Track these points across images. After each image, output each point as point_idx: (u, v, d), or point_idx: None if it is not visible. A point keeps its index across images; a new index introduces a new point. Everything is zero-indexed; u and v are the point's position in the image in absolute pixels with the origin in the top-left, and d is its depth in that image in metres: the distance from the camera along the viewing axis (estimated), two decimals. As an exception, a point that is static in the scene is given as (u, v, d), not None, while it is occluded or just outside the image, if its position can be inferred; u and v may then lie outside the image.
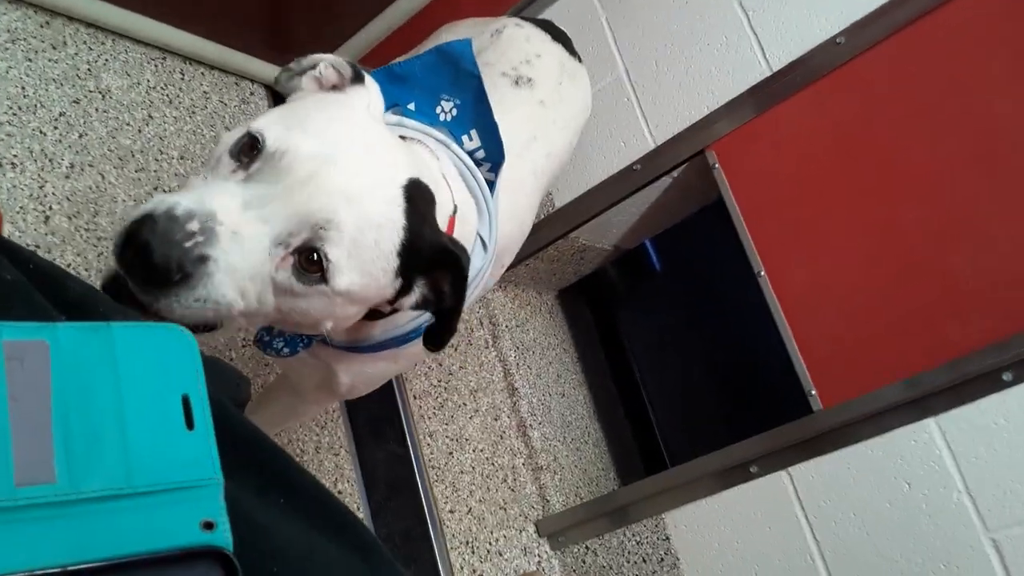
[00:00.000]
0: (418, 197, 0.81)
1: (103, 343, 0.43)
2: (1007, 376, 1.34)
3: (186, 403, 0.43)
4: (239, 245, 0.70)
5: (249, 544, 0.44)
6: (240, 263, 0.71)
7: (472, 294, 1.03)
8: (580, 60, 1.44)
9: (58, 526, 0.37)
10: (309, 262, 0.73)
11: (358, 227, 0.75)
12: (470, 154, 1.03)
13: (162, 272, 0.67)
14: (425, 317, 0.96)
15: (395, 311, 0.88)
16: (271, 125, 0.76)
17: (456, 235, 0.91)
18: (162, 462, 0.41)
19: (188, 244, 0.68)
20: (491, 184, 1.03)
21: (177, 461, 0.42)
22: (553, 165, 1.28)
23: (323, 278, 0.74)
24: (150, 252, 0.66)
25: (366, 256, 0.76)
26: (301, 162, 0.74)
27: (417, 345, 1.00)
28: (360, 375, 1.04)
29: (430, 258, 0.82)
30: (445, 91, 1.04)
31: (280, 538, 0.48)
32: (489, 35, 1.35)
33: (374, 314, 0.89)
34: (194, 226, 0.68)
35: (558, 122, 1.29)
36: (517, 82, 1.25)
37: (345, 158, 0.76)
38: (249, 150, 0.75)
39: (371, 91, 0.89)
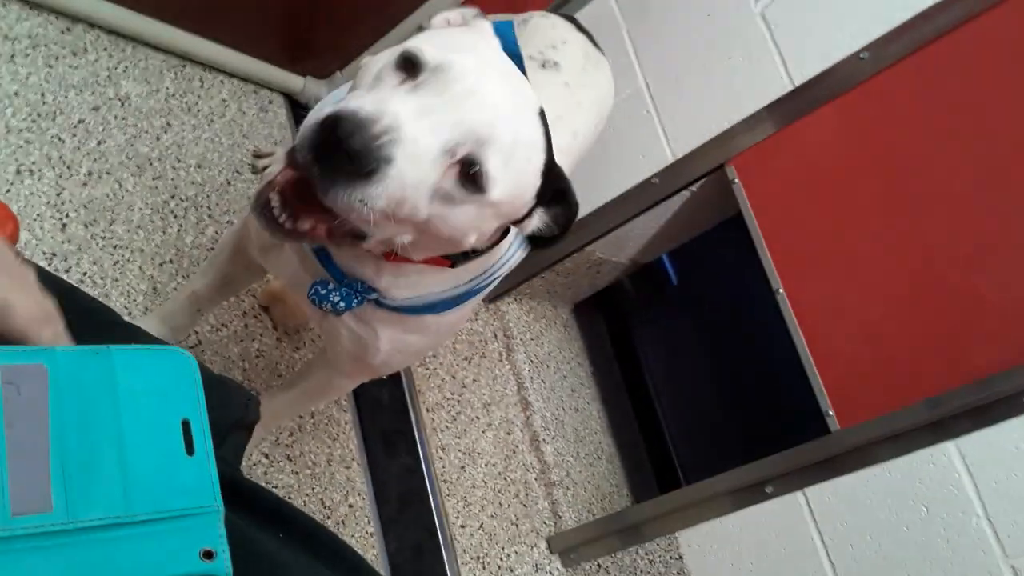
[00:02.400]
0: (547, 127, 0.87)
1: (102, 367, 0.42)
2: (1030, 400, 1.32)
3: (186, 428, 0.43)
4: (416, 151, 0.74)
5: (252, 573, 0.43)
6: (414, 169, 0.75)
7: (512, 258, 1.08)
8: (603, 53, 1.45)
9: (56, 556, 0.37)
10: (471, 172, 0.78)
11: (514, 142, 0.80)
12: None
13: (358, 159, 0.71)
14: (473, 283, 1.02)
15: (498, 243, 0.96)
16: (425, 45, 0.80)
17: None
18: (161, 489, 0.41)
19: (379, 142, 0.72)
20: None
21: (177, 488, 0.41)
22: (579, 146, 1.30)
23: (480, 187, 0.78)
24: (351, 138, 0.71)
25: (518, 170, 0.82)
26: (464, 75, 0.78)
27: (456, 313, 1.05)
28: (398, 344, 1.07)
29: (552, 189, 0.88)
30: None
31: (282, 567, 0.47)
32: (515, 24, 1.37)
33: (462, 256, 0.94)
34: (382, 126, 0.72)
35: (583, 104, 1.32)
36: (544, 65, 1.29)
37: (499, 76, 0.82)
38: (411, 66, 0.79)
39: (490, 28, 0.93)
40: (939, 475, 1.39)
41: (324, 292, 0.97)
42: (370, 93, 0.79)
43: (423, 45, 0.80)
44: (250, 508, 0.47)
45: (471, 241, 0.86)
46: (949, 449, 1.38)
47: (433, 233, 0.82)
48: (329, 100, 0.96)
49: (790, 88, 1.63)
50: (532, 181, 0.85)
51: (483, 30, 0.92)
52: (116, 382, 0.42)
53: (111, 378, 0.42)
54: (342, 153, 0.72)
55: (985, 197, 1.41)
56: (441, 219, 0.80)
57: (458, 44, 0.84)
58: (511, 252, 1.08)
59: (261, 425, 1.33)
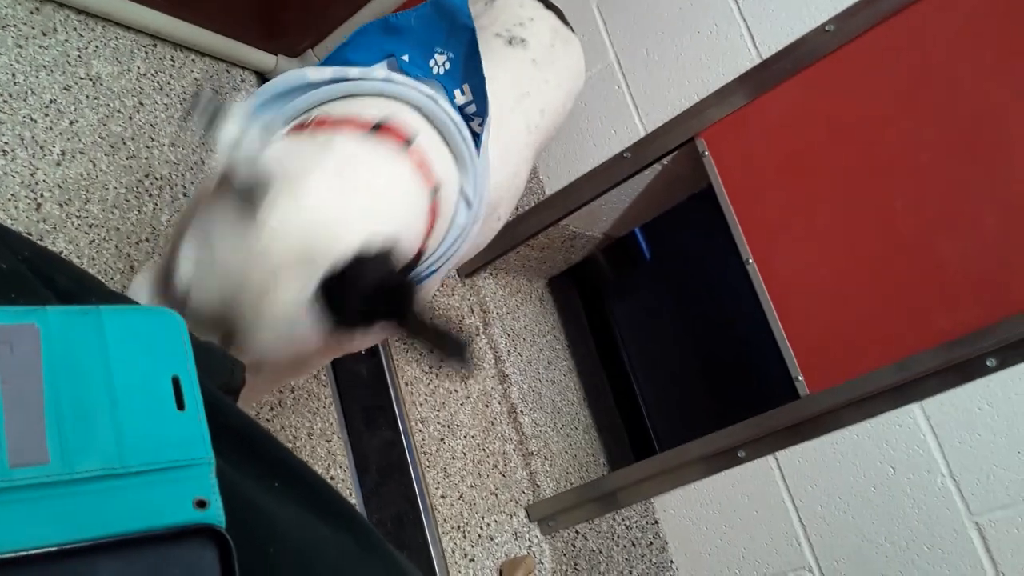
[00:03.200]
0: (345, 280, 0.79)
1: (92, 326, 0.44)
2: (991, 362, 1.36)
3: (176, 384, 0.44)
4: None
5: (244, 524, 0.45)
6: None
7: (460, 248, 1.04)
8: (573, 31, 1.46)
9: (52, 506, 0.38)
10: None
11: (272, 349, 0.80)
12: (461, 108, 1.03)
13: None
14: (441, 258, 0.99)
15: None
16: (185, 269, 0.78)
17: (440, 213, 0.93)
18: (154, 442, 0.42)
19: None
20: (478, 137, 1.03)
21: (169, 441, 0.42)
22: (547, 123, 1.29)
23: None
24: None
25: (288, 352, 0.82)
26: (213, 307, 0.77)
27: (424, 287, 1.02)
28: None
29: (365, 318, 0.82)
30: (439, 44, 1.04)
31: (275, 518, 0.49)
32: (484, 3, 1.37)
33: None
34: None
35: (551, 81, 1.31)
36: (510, 42, 1.27)
37: (252, 287, 0.76)
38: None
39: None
40: (905, 436, 1.43)
41: None
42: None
43: (184, 272, 0.77)
44: (245, 452, 0.49)
45: None
46: (915, 411, 1.43)
47: None
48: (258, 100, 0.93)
49: (758, 61, 1.65)
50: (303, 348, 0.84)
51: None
52: (106, 340, 0.43)
53: (101, 336, 0.43)
54: None
55: (948, 165, 1.45)
56: None
57: (214, 259, 0.77)
58: (467, 227, 1.03)
59: (242, 399, 1.34)
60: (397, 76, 0.99)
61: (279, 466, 0.53)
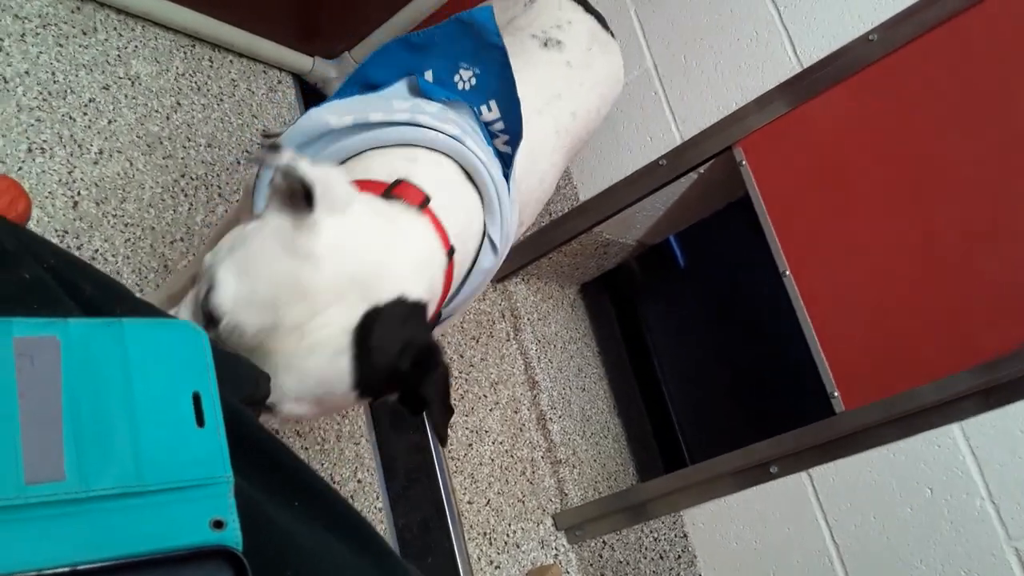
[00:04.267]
0: (379, 323, 0.78)
1: (114, 339, 0.43)
2: (1034, 382, 1.32)
3: (196, 400, 0.43)
4: None
5: (262, 544, 0.44)
6: None
7: (482, 285, 1.03)
8: (613, 36, 1.44)
9: (68, 524, 0.37)
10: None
11: (299, 389, 0.75)
12: (488, 125, 1.01)
13: None
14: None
15: None
16: (225, 295, 0.74)
17: (455, 274, 0.91)
18: (172, 460, 0.41)
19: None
20: (508, 157, 1.01)
21: (187, 459, 0.42)
22: (579, 127, 1.26)
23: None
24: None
25: (313, 397, 0.77)
26: (248, 337, 0.73)
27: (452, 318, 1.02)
28: None
29: (390, 378, 0.80)
30: (465, 59, 1.02)
31: (294, 539, 0.48)
32: (523, 4, 1.35)
33: None
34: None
35: (585, 84, 1.29)
36: (546, 44, 1.26)
37: (288, 323, 0.74)
38: (211, 319, 0.74)
39: (326, 200, 0.78)
40: (943, 457, 1.39)
41: None
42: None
43: (224, 298, 0.73)
44: (266, 469, 0.48)
45: None
46: (954, 431, 1.39)
47: None
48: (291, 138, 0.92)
49: (798, 70, 1.62)
50: (341, 399, 0.78)
51: (305, 227, 0.76)
52: (127, 353, 0.42)
53: (122, 349, 0.42)
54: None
55: (992, 180, 1.41)
56: None
57: (259, 281, 0.75)
58: (491, 270, 1.02)
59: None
60: (421, 115, 0.95)
61: (300, 484, 0.52)
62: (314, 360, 0.75)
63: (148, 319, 0.46)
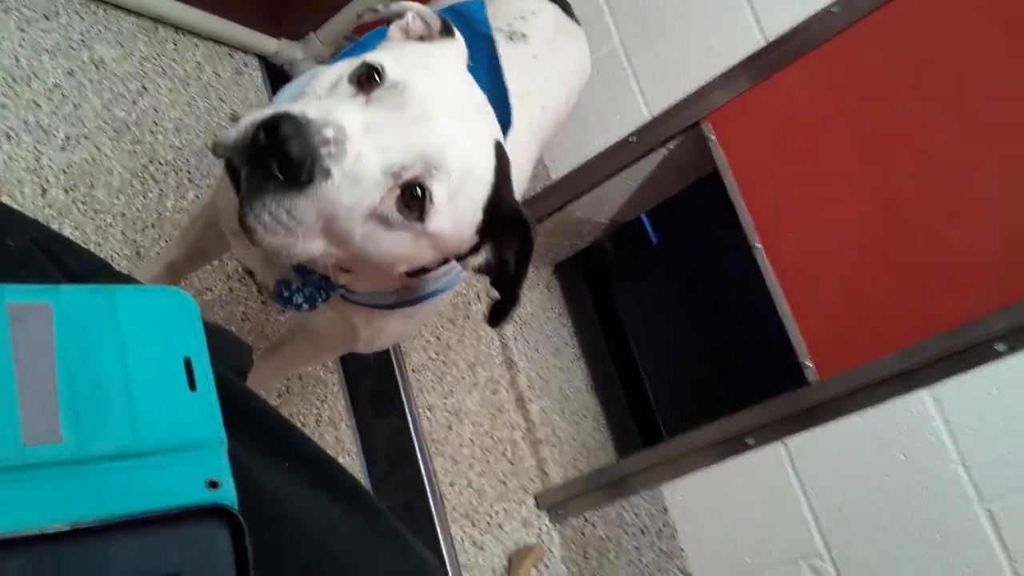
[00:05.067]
0: (503, 159, 0.83)
1: (105, 306, 0.43)
2: (1000, 347, 1.35)
3: (188, 365, 0.44)
4: (358, 169, 0.70)
5: (255, 505, 0.44)
6: (353, 187, 0.70)
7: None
8: (578, 23, 1.44)
9: (67, 485, 0.38)
10: (412, 198, 0.73)
11: (462, 174, 0.76)
12: None
13: (292, 167, 0.66)
14: (444, 280, 0.97)
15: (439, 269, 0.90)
16: (387, 59, 0.76)
17: None
18: (167, 422, 0.41)
19: (323, 151, 0.67)
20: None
21: (181, 421, 0.42)
22: (549, 120, 1.27)
23: (420, 217, 0.74)
24: (289, 142, 0.66)
25: (461, 204, 0.78)
26: (420, 99, 0.74)
27: (432, 304, 1.01)
28: (378, 329, 1.05)
29: (505, 222, 0.83)
30: None
31: (286, 500, 0.49)
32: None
33: (418, 272, 0.89)
34: (324, 136, 0.68)
35: (552, 77, 1.29)
36: (511, 37, 1.25)
37: (456, 104, 0.78)
38: (367, 80, 0.75)
39: (459, 45, 0.88)
40: (916, 423, 1.42)
41: (287, 294, 0.93)
42: (319, 100, 0.75)
43: (385, 59, 0.76)
44: (256, 433, 0.48)
45: (401, 269, 0.83)
46: (924, 397, 1.42)
47: (361, 256, 0.77)
48: (281, 97, 0.93)
49: (763, 44, 1.63)
50: (474, 217, 0.80)
51: (447, 48, 0.86)
52: (119, 320, 0.42)
53: (114, 316, 0.42)
54: (276, 158, 0.67)
55: (956, 148, 1.43)
56: (373, 243, 0.75)
57: (420, 62, 0.79)
58: None
59: (272, 373, 1.34)
60: None
61: (289, 446, 0.52)
62: (478, 151, 0.79)
63: (138, 286, 0.46)
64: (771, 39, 1.62)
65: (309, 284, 0.92)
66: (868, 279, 1.50)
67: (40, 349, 0.40)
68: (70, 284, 0.45)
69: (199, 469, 0.41)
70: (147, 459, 0.40)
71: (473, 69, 1.01)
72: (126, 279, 0.58)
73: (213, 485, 0.41)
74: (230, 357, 0.63)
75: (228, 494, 0.41)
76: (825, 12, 1.56)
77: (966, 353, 1.38)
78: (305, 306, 0.93)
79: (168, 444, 0.41)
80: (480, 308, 1.96)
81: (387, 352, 1.70)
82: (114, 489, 0.38)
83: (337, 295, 0.95)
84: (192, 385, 0.43)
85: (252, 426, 0.49)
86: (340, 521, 0.51)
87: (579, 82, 1.41)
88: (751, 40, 1.65)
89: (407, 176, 0.73)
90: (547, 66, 1.28)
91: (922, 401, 1.42)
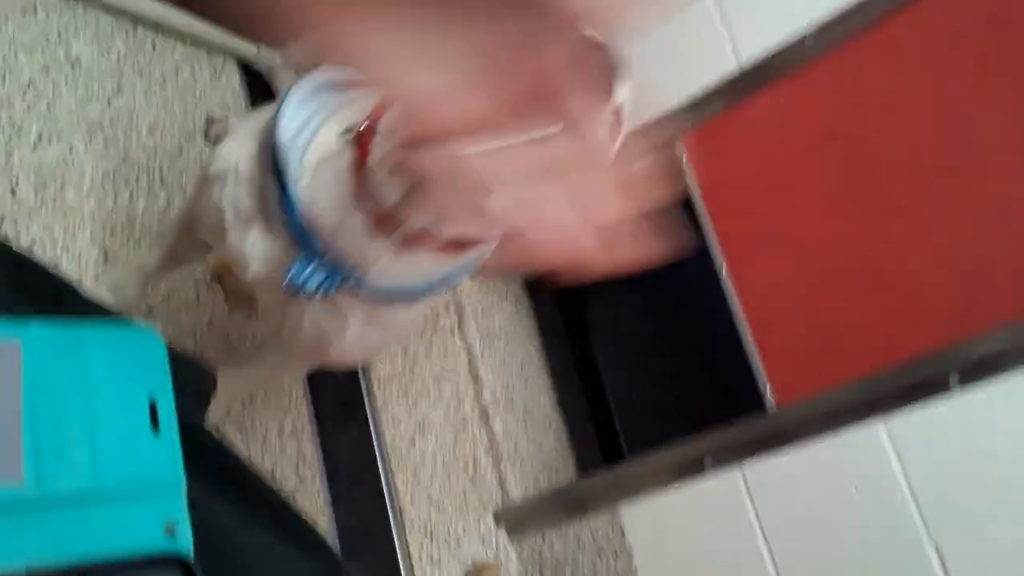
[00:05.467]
0: None
1: (74, 345, 0.43)
2: (954, 380, 1.36)
3: (152, 407, 0.44)
4: None
5: (208, 545, 0.44)
6: None
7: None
8: None
9: (24, 527, 0.37)
10: None
11: None
12: None
13: None
14: (455, 267, 0.98)
15: None
16: None
17: None
18: (128, 465, 0.41)
19: None
20: None
21: (142, 464, 0.42)
22: None
23: None
24: None
25: None
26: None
27: (420, 307, 1.06)
28: (359, 337, 1.03)
29: None
30: None
31: (239, 539, 0.49)
32: None
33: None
34: None
35: None
36: None
37: None
38: None
39: None
40: (868, 454, 1.44)
41: (306, 275, 0.91)
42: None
43: None
44: (214, 473, 0.49)
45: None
46: (879, 428, 1.44)
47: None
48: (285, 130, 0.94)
49: (738, 69, 1.65)
50: None
51: None
52: (87, 360, 0.42)
53: (82, 355, 0.42)
54: None
55: (923, 180, 1.46)
56: None
57: None
58: None
59: (215, 402, 1.33)
60: None
61: (244, 486, 0.52)
62: None
63: (108, 324, 0.46)
64: (746, 65, 1.65)
65: (325, 267, 0.91)
66: (830, 308, 1.52)
67: (7, 387, 0.40)
68: (38, 317, 0.45)
69: (158, 513, 0.41)
70: (107, 502, 0.40)
71: None
72: (95, 306, 0.58)
73: (170, 531, 0.41)
74: (192, 381, 0.63)
75: (185, 541, 0.41)
76: (799, 42, 1.58)
77: (921, 385, 1.40)
78: (322, 286, 0.93)
79: (128, 487, 0.41)
80: (449, 321, 1.97)
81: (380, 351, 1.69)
82: (72, 532, 0.38)
83: (346, 287, 0.94)
84: (155, 427, 0.43)
85: (206, 463, 0.49)
86: (294, 562, 0.52)
87: None
88: (726, 64, 1.67)
89: None
90: None
91: (876, 432, 1.44)
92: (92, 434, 0.41)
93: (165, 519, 0.41)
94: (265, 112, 1.02)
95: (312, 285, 0.92)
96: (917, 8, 1.48)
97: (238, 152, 1.00)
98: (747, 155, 1.63)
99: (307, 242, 0.91)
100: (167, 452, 0.43)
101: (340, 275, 0.92)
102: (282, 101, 0.96)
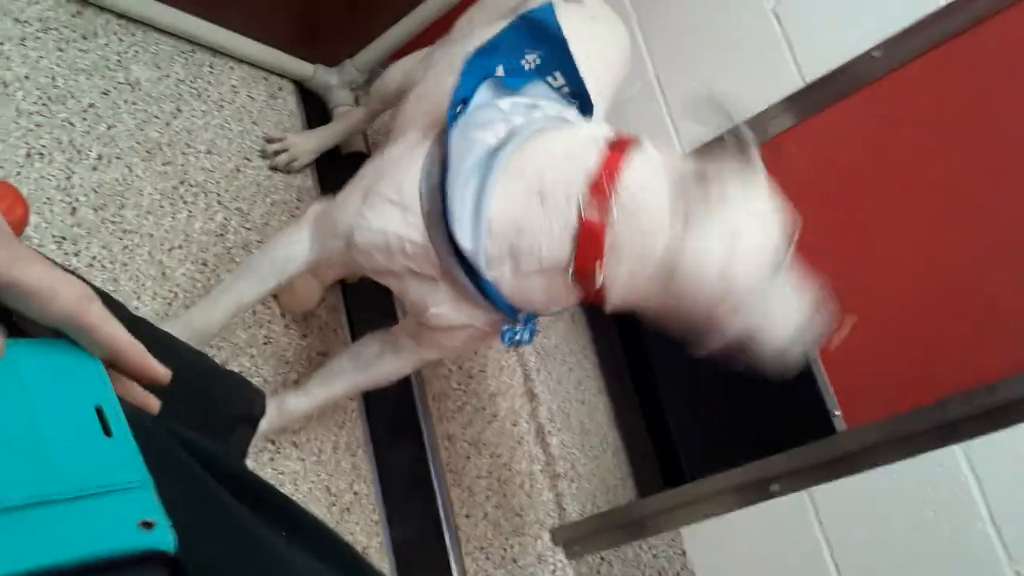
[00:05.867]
0: None
1: (6, 362, 0.43)
2: (1035, 405, 1.31)
3: (100, 413, 0.43)
4: None
5: (258, 567, 0.43)
6: None
7: None
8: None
9: None
10: None
11: None
12: (558, 90, 1.17)
13: None
14: None
15: None
16: None
17: None
18: (87, 468, 0.41)
19: None
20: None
21: (102, 467, 0.41)
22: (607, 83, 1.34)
23: None
24: None
25: None
26: None
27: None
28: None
29: None
30: (528, 46, 1.14)
31: (285, 565, 0.47)
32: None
33: None
34: None
35: (603, 37, 1.36)
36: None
37: None
38: None
39: None
40: (946, 478, 1.38)
41: (520, 334, 1.14)
42: None
43: None
44: (255, 503, 0.48)
45: None
46: (957, 453, 1.37)
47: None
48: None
49: (801, 85, 1.61)
50: None
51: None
52: (21, 373, 0.42)
53: (15, 371, 0.42)
54: None
55: (998, 199, 1.40)
56: None
57: None
58: None
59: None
60: (512, 100, 1.12)
61: (285, 515, 0.51)
62: None
63: (35, 339, 0.46)
64: (809, 81, 1.60)
65: (529, 321, 1.15)
66: (903, 329, 1.46)
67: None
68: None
69: (129, 512, 0.40)
70: (71, 505, 0.39)
71: (545, 57, 1.14)
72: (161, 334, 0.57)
73: (147, 526, 0.39)
74: (241, 405, 0.62)
75: (164, 536, 0.39)
76: (866, 56, 1.53)
77: (1003, 409, 1.34)
78: (527, 338, 1.15)
79: (90, 489, 0.40)
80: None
81: (408, 379, 1.69)
82: (40, 539, 0.37)
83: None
84: (107, 432, 0.43)
85: (246, 496, 0.48)
86: None
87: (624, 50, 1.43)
88: (789, 80, 1.63)
89: None
90: (600, 24, 1.36)
91: (954, 457, 1.37)
92: (40, 443, 0.40)
93: (138, 516, 0.40)
94: (388, 171, 1.12)
95: (525, 339, 1.14)
96: (987, 25, 1.43)
97: (395, 227, 1.06)
98: (814, 172, 1.58)
99: (513, 313, 1.09)
100: (124, 452, 0.42)
101: (534, 322, 1.14)
102: (427, 181, 1.06)
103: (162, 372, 0.47)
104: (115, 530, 0.39)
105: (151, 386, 0.48)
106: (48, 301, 0.42)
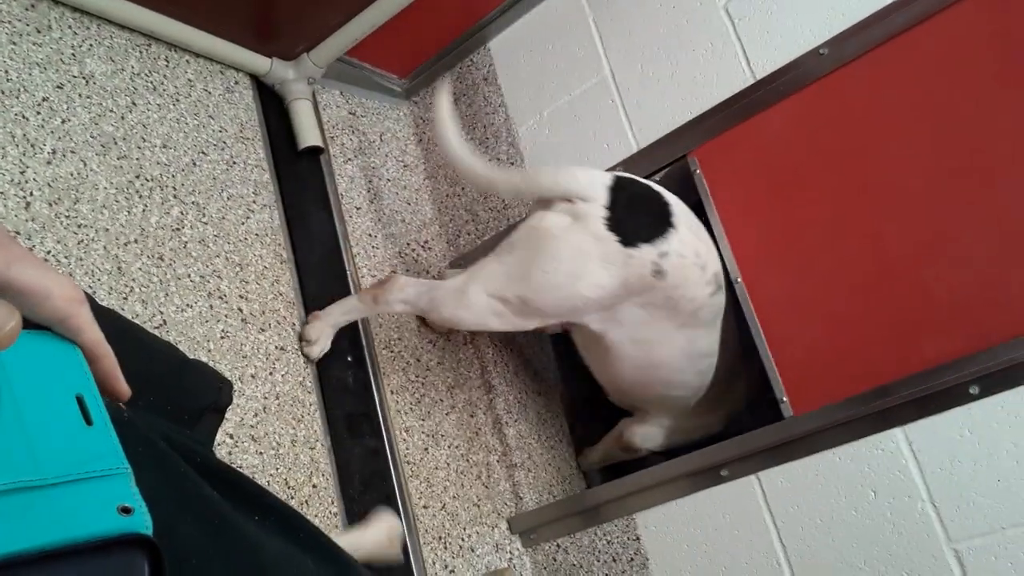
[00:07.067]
0: None
1: None
2: (974, 390, 1.36)
3: (81, 402, 0.45)
4: None
5: (231, 549, 0.44)
6: None
7: None
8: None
9: None
10: None
11: None
12: None
13: None
14: None
15: None
16: None
17: None
18: (67, 455, 0.42)
19: None
20: None
21: (83, 454, 0.43)
22: None
23: None
24: None
25: None
26: None
27: None
28: None
29: None
30: None
31: (261, 546, 0.49)
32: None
33: None
34: None
35: None
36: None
37: None
38: None
39: None
40: (887, 461, 1.43)
41: None
42: None
43: None
44: (229, 490, 0.49)
45: None
46: (897, 436, 1.43)
47: None
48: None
49: (752, 81, 1.66)
50: None
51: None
52: (2, 361, 0.43)
53: None
54: None
55: (939, 191, 1.45)
56: None
57: None
58: None
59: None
60: None
61: (257, 501, 0.52)
62: None
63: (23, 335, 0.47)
64: (759, 77, 1.65)
65: None
66: (847, 317, 1.51)
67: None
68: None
69: (108, 498, 0.41)
70: (53, 491, 0.40)
71: None
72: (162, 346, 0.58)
73: (126, 511, 0.41)
74: (208, 394, 0.63)
75: (142, 521, 0.41)
76: (813, 54, 1.58)
77: (940, 395, 1.40)
78: None
79: (72, 475, 0.41)
80: (463, 331, 1.97)
81: (366, 373, 1.71)
82: (22, 523, 0.39)
83: None
84: (88, 420, 0.44)
85: (224, 484, 0.49)
86: (312, 569, 0.52)
87: None
88: (740, 77, 1.67)
89: None
90: None
91: (894, 439, 1.43)
92: (24, 430, 0.42)
93: (117, 502, 0.41)
94: None
95: None
96: (932, 22, 1.48)
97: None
98: (761, 167, 1.62)
99: None
100: (104, 440, 0.44)
101: None
102: None
103: (124, 390, 0.49)
104: (95, 515, 0.40)
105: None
106: (41, 301, 0.44)
